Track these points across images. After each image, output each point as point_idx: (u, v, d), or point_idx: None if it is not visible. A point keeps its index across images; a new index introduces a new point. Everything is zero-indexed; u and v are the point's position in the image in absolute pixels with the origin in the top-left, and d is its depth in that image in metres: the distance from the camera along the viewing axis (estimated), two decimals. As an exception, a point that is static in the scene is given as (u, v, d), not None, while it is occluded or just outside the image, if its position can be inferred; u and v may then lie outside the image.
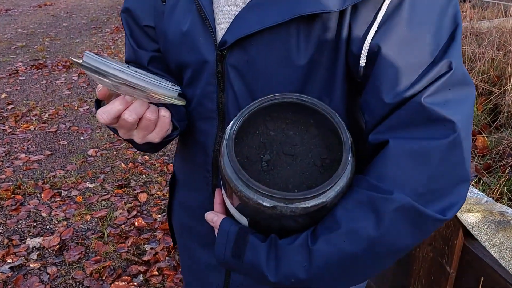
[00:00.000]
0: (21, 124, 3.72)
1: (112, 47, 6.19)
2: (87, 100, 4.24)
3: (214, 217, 0.67)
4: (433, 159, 0.54)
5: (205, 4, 0.68)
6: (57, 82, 4.77)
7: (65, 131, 3.62)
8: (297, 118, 0.64)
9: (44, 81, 4.78)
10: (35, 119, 3.81)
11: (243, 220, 0.63)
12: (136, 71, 0.57)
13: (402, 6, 0.56)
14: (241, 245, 0.60)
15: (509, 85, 1.90)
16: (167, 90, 0.61)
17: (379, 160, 0.57)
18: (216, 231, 0.65)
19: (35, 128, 3.65)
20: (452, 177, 0.56)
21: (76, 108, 4.07)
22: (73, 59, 0.57)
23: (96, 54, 0.56)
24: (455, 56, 0.56)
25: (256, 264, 0.59)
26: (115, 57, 5.67)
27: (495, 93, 1.94)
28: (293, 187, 0.59)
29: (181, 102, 0.64)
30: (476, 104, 1.96)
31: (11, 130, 3.62)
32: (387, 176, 0.55)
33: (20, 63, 5.44)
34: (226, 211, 0.68)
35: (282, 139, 0.62)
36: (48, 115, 3.90)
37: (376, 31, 0.57)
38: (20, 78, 4.90)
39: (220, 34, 0.69)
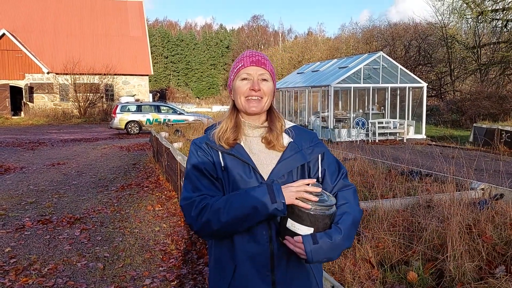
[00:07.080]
0: (21, 278, 3.92)
1: (116, 204, 6.68)
2: (85, 255, 4.50)
3: (296, 239, 1.37)
4: (353, 194, 1.52)
5: None
6: (59, 237, 5.09)
7: (61, 285, 3.80)
8: None
9: (48, 236, 5.10)
10: (35, 273, 4.02)
11: (310, 232, 1.35)
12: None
13: (325, 157, 1.55)
14: (316, 239, 1.35)
15: (448, 253, 2.24)
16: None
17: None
18: (300, 243, 1.35)
19: (33, 282, 3.83)
20: (356, 201, 1.52)
21: (74, 263, 4.30)
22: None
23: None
24: (342, 167, 1.58)
25: (326, 241, 1.36)
26: (117, 214, 6.09)
27: (440, 259, 2.28)
28: None
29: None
30: (422, 269, 2.28)
31: (10, 283, 3.80)
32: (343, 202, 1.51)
33: (27, 218, 5.84)
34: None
35: None
36: (47, 269, 4.12)
37: (321, 164, 1.54)
38: (26, 233, 5.24)
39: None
